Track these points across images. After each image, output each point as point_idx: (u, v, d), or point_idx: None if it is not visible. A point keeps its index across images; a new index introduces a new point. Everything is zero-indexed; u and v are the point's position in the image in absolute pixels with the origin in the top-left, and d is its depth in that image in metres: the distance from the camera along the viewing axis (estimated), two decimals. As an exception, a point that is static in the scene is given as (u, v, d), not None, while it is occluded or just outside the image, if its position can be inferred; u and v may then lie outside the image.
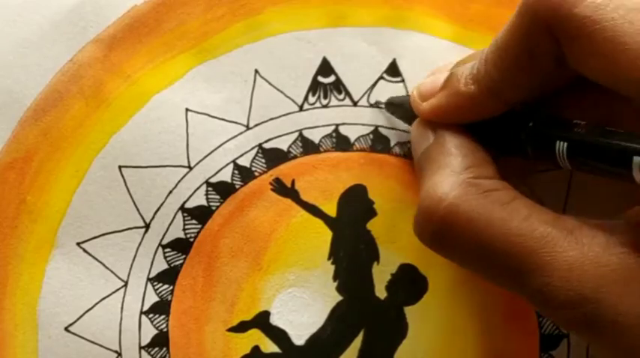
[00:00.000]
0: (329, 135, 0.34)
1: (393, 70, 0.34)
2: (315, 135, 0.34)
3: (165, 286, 0.33)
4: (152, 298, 0.33)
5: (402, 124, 0.33)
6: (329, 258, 0.33)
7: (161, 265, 0.33)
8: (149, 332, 0.32)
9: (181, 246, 0.33)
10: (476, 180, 0.27)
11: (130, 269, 0.33)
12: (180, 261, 0.33)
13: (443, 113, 0.29)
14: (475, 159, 0.28)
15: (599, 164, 0.25)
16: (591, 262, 0.24)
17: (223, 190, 0.33)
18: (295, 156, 0.33)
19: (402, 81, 0.34)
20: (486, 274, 0.27)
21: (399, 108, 0.33)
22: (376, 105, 0.34)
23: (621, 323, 0.23)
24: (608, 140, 0.24)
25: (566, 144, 0.25)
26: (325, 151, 0.34)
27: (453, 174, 0.27)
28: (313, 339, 0.33)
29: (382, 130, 0.34)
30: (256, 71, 0.34)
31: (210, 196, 0.33)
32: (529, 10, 0.25)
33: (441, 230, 0.27)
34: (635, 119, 0.28)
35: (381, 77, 0.34)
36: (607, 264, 0.24)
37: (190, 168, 0.33)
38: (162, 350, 0.32)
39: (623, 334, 0.24)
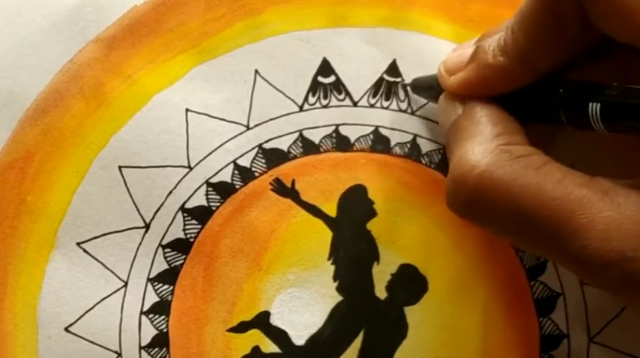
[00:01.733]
0: (329, 136, 0.34)
1: (393, 71, 0.34)
2: (315, 136, 0.34)
3: (166, 286, 0.33)
4: (152, 298, 0.32)
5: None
6: (329, 258, 0.33)
7: (161, 265, 0.33)
8: (149, 332, 0.32)
9: (181, 246, 0.33)
10: (507, 146, 0.26)
11: (130, 269, 0.33)
12: (181, 261, 0.33)
13: (472, 86, 0.29)
14: (505, 127, 0.28)
15: (634, 123, 0.24)
16: (629, 221, 0.24)
17: (223, 190, 0.33)
18: (295, 157, 0.33)
19: (404, 81, 0.34)
20: (522, 241, 0.27)
21: (425, 87, 0.33)
22: (403, 86, 0.34)
23: None
24: None
25: (599, 106, 0.25)
26: (325, 151, 0.34)
27: (484, 141, 0.27)
28: (313, 339, 0.33)
29: (382, 130, 0.34)
30: (256, 71, 0.34)
31: (210, 196, 0.33)
32: None
33: (474, 198, 0.26)
34: None
35: (381, 77, 0.34)
36: None
37: (190, 168, 0.33)
38: (163, 351, 0.32)
39: None
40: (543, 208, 0.25)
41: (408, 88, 0.34)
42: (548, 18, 0.26)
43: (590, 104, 0.25)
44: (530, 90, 0.28)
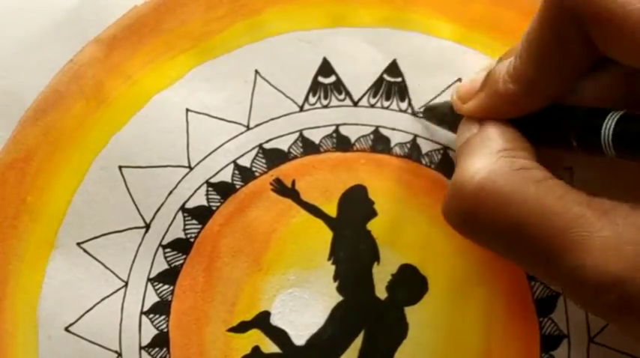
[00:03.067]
0: (329, 136, 0.34)
1: (393, 70, 0.34)
2: (315, 136, 0.34)
3: (166, 286, 0.33)
4: (152, 298, 0.32)
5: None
6: (329, 259, 0.33)
7: (161, 265, 0.33)
8: (149, 332, 0.32)
9: (182, 246, 0.33)
10: (510, 157, 0.26)
11: (131, 269, 0.33)
12: (181, 261, 0.33)
13: (484, 113, 0.29)
14: (513, 143, 0.27)
15: None
16: (626, 242, 0.23)
17: (224, 190, 0.33)
18: (296, 157, 0.33)
19: (403, 81, 0.34)
20: (515, 255, 0.26)
21: (437, 114, 0.33)
22: (415, 114, 0.34)
23: None
24: None
25: (611, 132, 0.25)
26: (325, 151, 0.34)
27: (489, 153, 0.27)
28: (314, 339, 0.33)
29: (383, 130, 0.34)
30: (257, 71, 0.34)
31: (210, 196, 0.33)
32: (556, 1, 0.25)
33: (471, 205, 0.26)
34: None
35: (382, 77, 0.34)
36: None
37: (191, 168, 0.33)
38: (163, 351, 0.32)
39: None
40: (541, 222, 0.24)
41: (420, 115, 0.34)
42: (553, 44, 0.26)
43: (603, 131, 0.25)
44: (543, 114, 0.28)
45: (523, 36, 0.27)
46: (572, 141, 0.27)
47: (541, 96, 0.28)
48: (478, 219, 0.26)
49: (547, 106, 0.28)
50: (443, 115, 0.33)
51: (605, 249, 0.23)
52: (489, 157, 0.27)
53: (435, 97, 0.34)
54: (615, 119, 0.25)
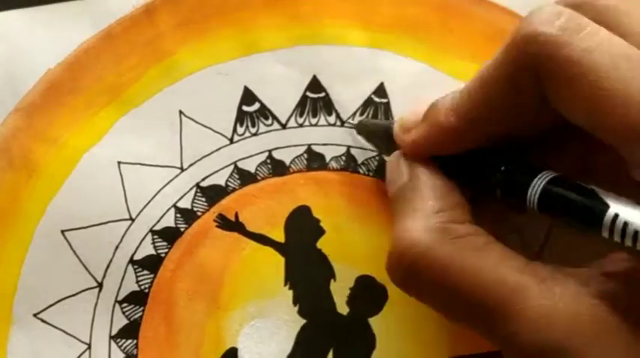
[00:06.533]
0: (264, 163, 0.34)
1: (315, 87, 0.34)
2: (250, 165, 0.33)
3: (129, 341, 0.32)
4: (118, 355, 0.32)
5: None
6: (285, 284, 0.33)
7: (121, 321, 0.32)
8: (120, 390, 0.32)
9: (137, 298, 0.33)
10: (447, 224, 0.27)
11: (91, 330, 0.32)
12: (139, 314, 0.33)
13: (424, 145, 0.29)
14: (448, 203, 0.28)
15: (568, 218, 0.25)
16: (561, 312, 0.24)
17: (169, 236, 0.33)
18: (234, 189, 0.33)
19: (327, 95, 0.34)
20: (456, 318, 0.27)
21: (372, 133, 0.33)
22: (343, 124, 0.34)
23: None
24: (581, 196, 0.24)
25: (538, 193, 0.25)
26: (263, 179, 0.34)
27: (424, 218, 0.27)
28: (284, 368, 0.32)
29: (315, 148, 0.34)
30: (180, 112, 0.34)
31: (157, 244, 0.33)
32: (516, 46, 0.25)
33: (411, 275, 0.27)
34: (611, 168, 0.27)
35: (305, 95, 0.34)
36: (576, 314, 0.24)
37: (132, 219, 0.33)
38: (137, 406, 0.32)
39: None
40: (479, 291, 0.25)
41: (354, 131, 0.34)
42: (506, 90, 0.26)
43: (530, 189, 0.26)
44: (475, 163, 0.28)
45: (476, 74, 0.27)
46: (497, 195, 0.27)
47: (482, 135, 0.28)
48: (417, 286, 0.27)
49: (480, 154, 0.28)
50: (373, 133, 0.33)
51: (539, 318, 0.24)
52: (424, 222, 0.27)
53: (363, 106, 0.34)
54: (544, 181, 0.25)
